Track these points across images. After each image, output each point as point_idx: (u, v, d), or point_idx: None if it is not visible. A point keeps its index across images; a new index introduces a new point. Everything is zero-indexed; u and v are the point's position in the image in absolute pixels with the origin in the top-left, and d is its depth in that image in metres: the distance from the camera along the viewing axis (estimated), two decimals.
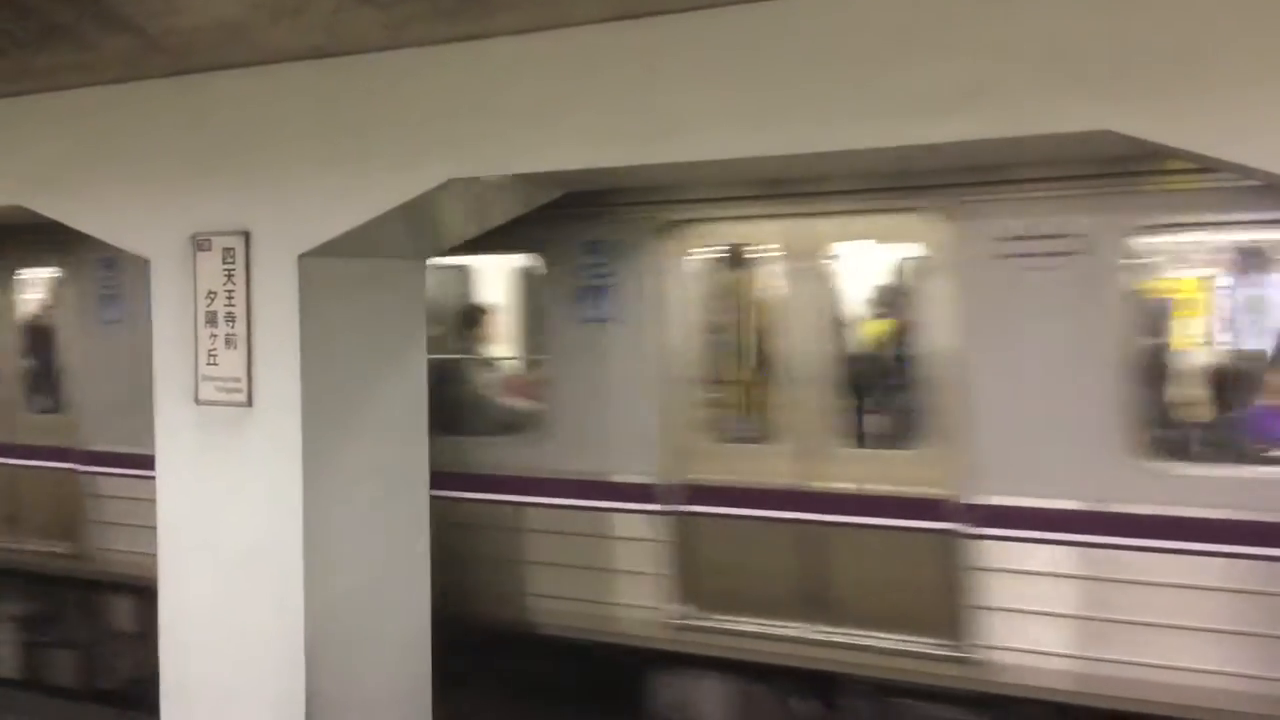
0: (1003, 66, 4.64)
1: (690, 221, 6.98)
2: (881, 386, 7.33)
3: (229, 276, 6.26)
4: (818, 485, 6.63)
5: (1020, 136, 4.79)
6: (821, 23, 4.95)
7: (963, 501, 6.21)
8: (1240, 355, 8.08)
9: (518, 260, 8.76)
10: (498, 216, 6.65)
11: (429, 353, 7.01)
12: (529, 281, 7.98)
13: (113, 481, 8.85)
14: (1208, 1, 4.37)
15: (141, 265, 6.81)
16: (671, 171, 6.03)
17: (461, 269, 9.48)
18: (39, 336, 9.77)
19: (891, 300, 7.95)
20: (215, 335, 6.31)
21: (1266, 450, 6.13)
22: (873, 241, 7.00)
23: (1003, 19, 4.65)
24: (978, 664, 6.18)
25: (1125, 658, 5.85)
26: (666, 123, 5.27)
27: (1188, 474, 5.86)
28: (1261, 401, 6.56)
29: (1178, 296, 8.22)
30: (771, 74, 5.06)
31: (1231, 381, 6.80)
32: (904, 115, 4.82)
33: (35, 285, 9.92)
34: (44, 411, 9.58)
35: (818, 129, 5.02)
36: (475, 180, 5.82)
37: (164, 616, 6.67)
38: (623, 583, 7.12)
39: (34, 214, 7.13)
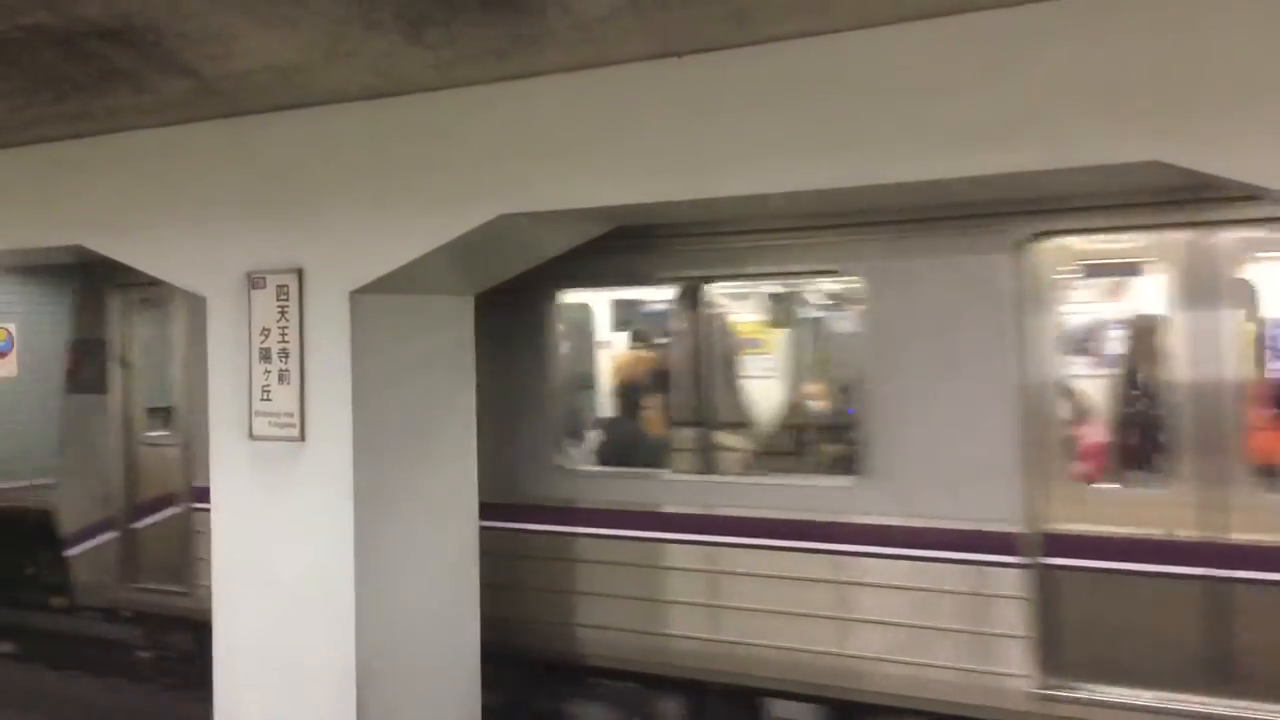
0: (1050, 98, 4.65)
1: (1059, 233, 6.15)
2: None
3: (282, 313, 6.36)
4: (1230, 537, 5.77)
5: (1068, 168, 4.78)
6: (866, 57, 4.98)
7: None
8: None
9: (837, 282, 7.65)
10: (547, 251, 6.72)
11: None
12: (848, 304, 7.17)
13: None
14: (1257, 30, 4.34)
15: None
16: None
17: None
18: None
19: None
20: (269, 371, 6.41)
21: None
22: None
23: (1050, 51, 4.65)
24: None
25: None
26: (714, 158, 5.31)
27: None
28: None
29: None
30: (817, 109, 5.09)
31: None
32: (953, 148, 4.83)
33: None
34: None
35: (864, 163, 5.03)
36: (524, 216, 5.88)
37: (218, 649, 6.74)
38: (967, 645, 6.30)
39: None
